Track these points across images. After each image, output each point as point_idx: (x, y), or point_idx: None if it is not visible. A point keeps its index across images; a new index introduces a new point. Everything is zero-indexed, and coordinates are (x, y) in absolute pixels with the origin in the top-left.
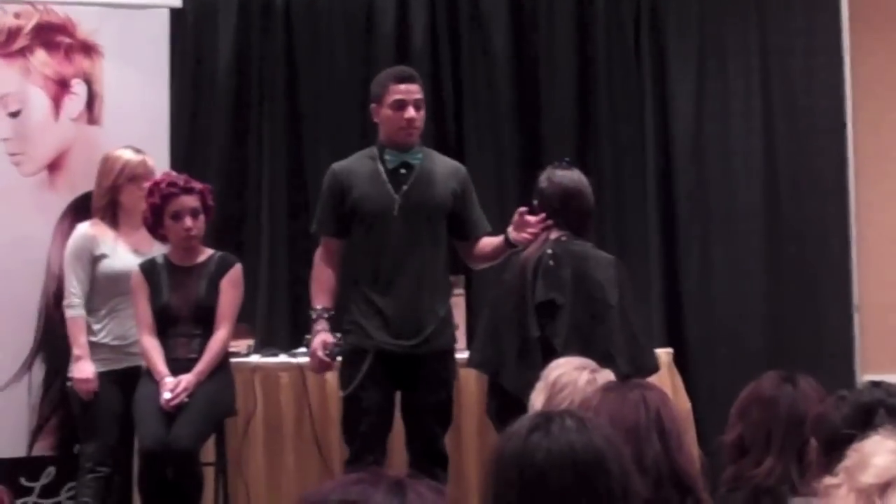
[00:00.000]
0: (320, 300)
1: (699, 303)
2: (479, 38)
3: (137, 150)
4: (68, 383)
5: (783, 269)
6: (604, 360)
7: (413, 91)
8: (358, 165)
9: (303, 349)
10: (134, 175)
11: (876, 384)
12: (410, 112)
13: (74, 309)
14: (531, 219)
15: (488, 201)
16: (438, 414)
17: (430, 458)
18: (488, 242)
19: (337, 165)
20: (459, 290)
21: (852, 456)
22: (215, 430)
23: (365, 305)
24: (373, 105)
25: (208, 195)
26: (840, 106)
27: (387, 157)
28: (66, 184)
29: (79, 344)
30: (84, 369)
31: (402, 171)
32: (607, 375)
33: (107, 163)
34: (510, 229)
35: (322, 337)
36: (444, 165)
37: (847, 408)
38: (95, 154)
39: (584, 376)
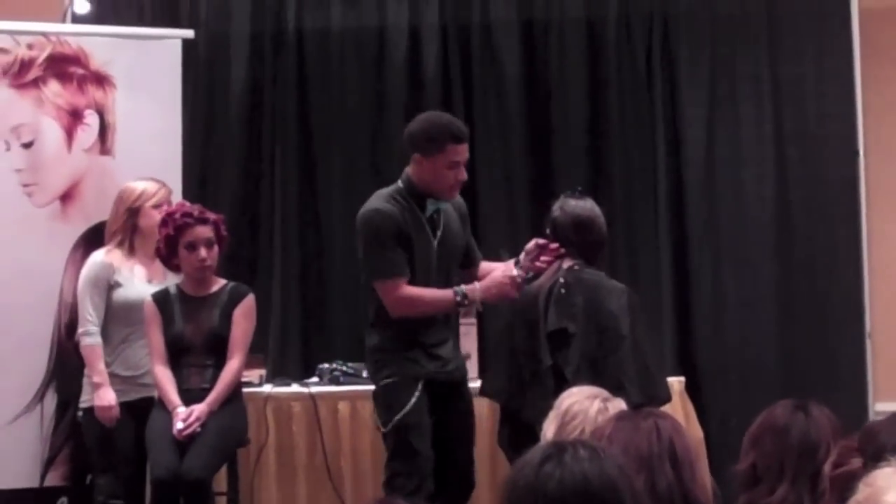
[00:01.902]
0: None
1: (711, 331)
2: (490, 67)
3: (156, 181)
4: (80, 414)
5: (795, 296)
6: (615, 390)
7: (466, 150)
8: (400, 210)
9: (315, 379)
10: (152, 198)
11: None
12: (464, 174)
13: (92, 337)
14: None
15: (500, 230)
16: (472, 437)
17: (464, 487)
18: (489, 268)
19: (386, 209)
20: (471, 320)
21: (863, 490)
22: (227, 460)
23: (404, 344)
24: (417, 154)
25: (222, 225)
26: (852, 133)
27: (428, 204)
28: (79, 214)
29: (98, 371)
30: (105, 397)
31: (434, 215)
32: (619, 404)
33: (125, 191)
34: (522, 256)
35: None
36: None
37: None
38: (108, 184)
39: (596, 405)
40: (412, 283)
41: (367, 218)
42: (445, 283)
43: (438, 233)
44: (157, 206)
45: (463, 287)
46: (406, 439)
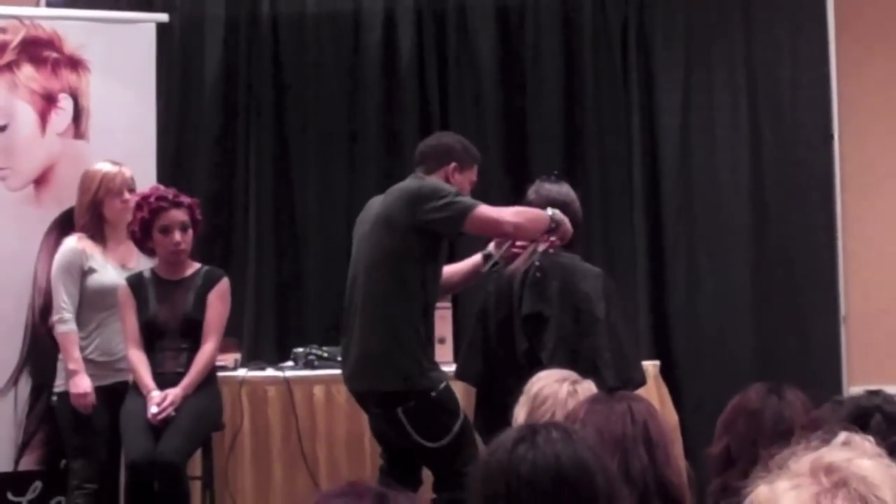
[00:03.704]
0: None
1: (686, 315)
2: (465, 52)
3: (115, 163)
4: (53, 398)
5: (770, 280)
6: (590, 373)
7: None
8: None
9: (290, 363)
10: (111, 187)
11: (874, 392)
12: None
13: (66, 324)
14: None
15: None
16: None
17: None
18: (456, 270)
19: None
20: (446, 304)
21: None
22: (202, 444)
23: (431, 348)
24: (454, 164)
25: (196, 209)
26: (827, 119)
27: None
28: (53, 198)
29: (73, 359)
30: (80, 384)
31: None
32: (588, 387)
33: (85, 179)
34: (492, 246)
35: None
36: None
37: (844, 411)
38: (82, 169)
39: (565, 388)
40: (435, 266)
41: (431, 182)
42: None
43: None
44: (119, 194)
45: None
46: (472, 437)
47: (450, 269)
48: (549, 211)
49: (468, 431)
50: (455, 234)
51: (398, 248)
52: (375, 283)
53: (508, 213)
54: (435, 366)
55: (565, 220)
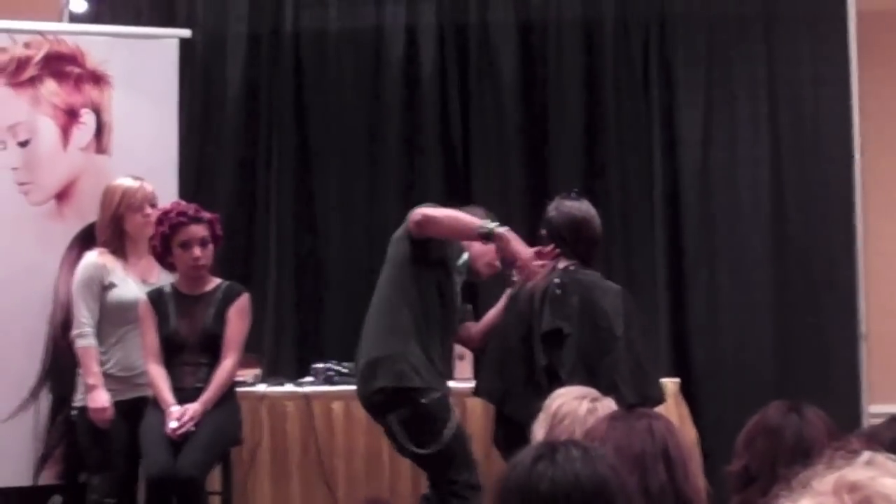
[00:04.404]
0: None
1: (706, 332)
2: (487, 68)
3: (136, 178)
4: (73, 413)
5: (790, 298)
6: (609, 390)
7: None
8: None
9: (309, 378)
10: (132, 202)
11: None
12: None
13: (86, 339)
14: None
15: None
16: None
17: None
18: (493, 313)
19: None
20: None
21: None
22: (221, 459)
23: (436, 357)
24: None
25: (217, 225)
26: (847, 135)
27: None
28: (75, 213)
29: (92, 373)
30: (99, 399)
31: (461, 268)
32: (608, 404)
33: (106, 194)
34: (514, 272)
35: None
36: None
37: None
38: (104, 183)
39: (585, 406)
40: (446, 288)
41: None
42: (452, 334)
43: (459, 278)
44: (140, 209)
45: (494, 224)
46: (466, 447)
47: (488, 315)
48: (482, 221)
49: (461, 440)
50: (412, 237)
51: (399, 259)
52: (380, 294)
53: (432, 209)
54: (435, 373)
55: (507, 237)
